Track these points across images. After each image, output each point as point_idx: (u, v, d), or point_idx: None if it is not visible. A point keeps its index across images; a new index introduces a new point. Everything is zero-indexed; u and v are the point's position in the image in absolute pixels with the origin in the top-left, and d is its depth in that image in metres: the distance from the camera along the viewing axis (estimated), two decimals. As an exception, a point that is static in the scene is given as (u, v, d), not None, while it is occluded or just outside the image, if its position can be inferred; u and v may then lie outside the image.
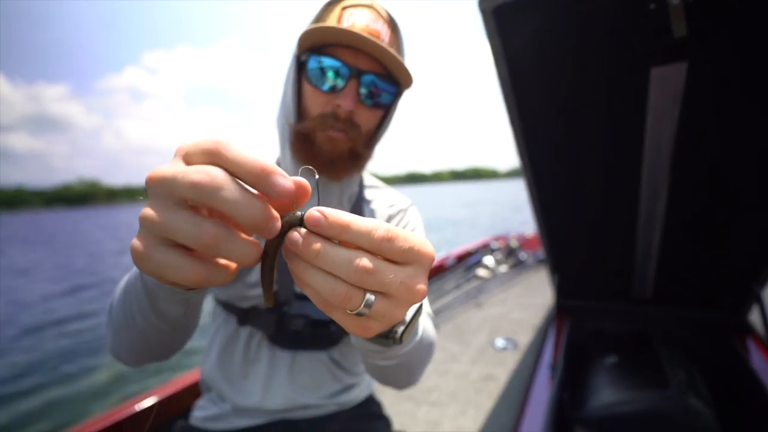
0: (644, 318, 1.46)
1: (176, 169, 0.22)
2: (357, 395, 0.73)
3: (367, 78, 0.58)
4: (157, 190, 0.23)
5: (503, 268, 3.86)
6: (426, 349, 0.51)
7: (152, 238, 0.23)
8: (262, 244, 0.26)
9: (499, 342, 2.37)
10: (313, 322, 0.62)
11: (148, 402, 1.12)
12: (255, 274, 0.63)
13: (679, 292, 1.39)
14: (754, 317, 1.28)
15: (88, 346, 4.44)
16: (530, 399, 1.06)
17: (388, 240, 0.24)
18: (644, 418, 0.99)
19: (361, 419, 0.73)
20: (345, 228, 0.24)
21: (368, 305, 0.25)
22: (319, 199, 0.28)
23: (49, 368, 3.85)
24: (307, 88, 0.59)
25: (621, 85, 0.93)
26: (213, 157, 0.23)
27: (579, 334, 1.48)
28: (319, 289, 0.25)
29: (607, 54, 0.88)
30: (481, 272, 3.62)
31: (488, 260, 3.78)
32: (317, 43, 0.57)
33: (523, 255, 4.05)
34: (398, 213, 0.73)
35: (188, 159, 0.24)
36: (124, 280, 0.44)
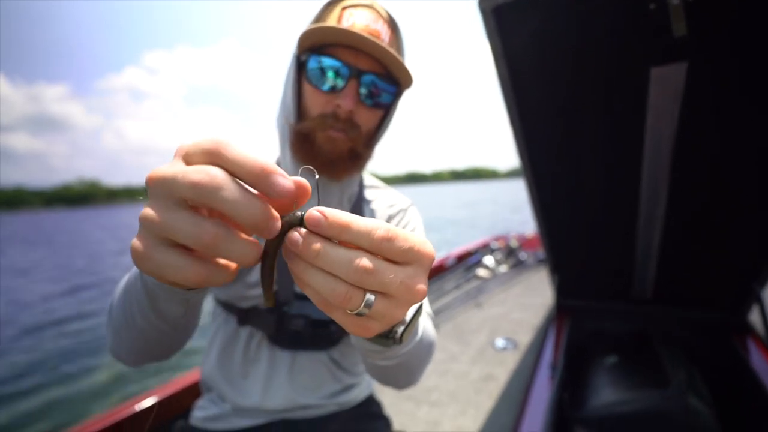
0: (644, 318, 1.46)
1: (176, 169, 0.22)
2: (357, 395, 0.73)
3: (367, 78, 0.57)
4: (157, 190, 0.23)
5: (503, 268, 3.86)
6: (426, 349, 0.51)
7: (152, 238, 0.23)
8: (262, 244, 0.26)
9: (499, 342, 2.37)
10: (313, 322, 0.62)
11: (148, 402, 1.12)
12: (255, 274, 0.63)
13: (679, 292, 1.39)
14: (755, 317, 1.28)
15: (88, 346, 4.45)
16: (530, 399, 1.06)
17: (388, 240, 0.24)
18: (644, 418, 0.99)
19: (361, 419, 0.73)
20: (345, 228, 0.24)
21: (368, 305, 0.25)
22: (319, 199, 0.28)
23: (49, 368, 3.86)
24: (307, 88, 0.59)
25: (621, 85, 0.93)
26: (213, 157, 0.23)
27: (579, 334, 1.48)
28: (319, 289, 0.25)
29: (606, 54, 0.88)
30: (481, 272, 3.62)
31: (488, 260, 3.78)
32: (317, 43, 0.57)
33: (523, 255, 4.05)
34: (398, 213, 0.73)
35: (188, 159, 0.24)
36: (124, 280, 0.44)
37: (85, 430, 1.01)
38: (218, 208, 0.22)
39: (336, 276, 0.24)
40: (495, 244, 4.10)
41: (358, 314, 0.26)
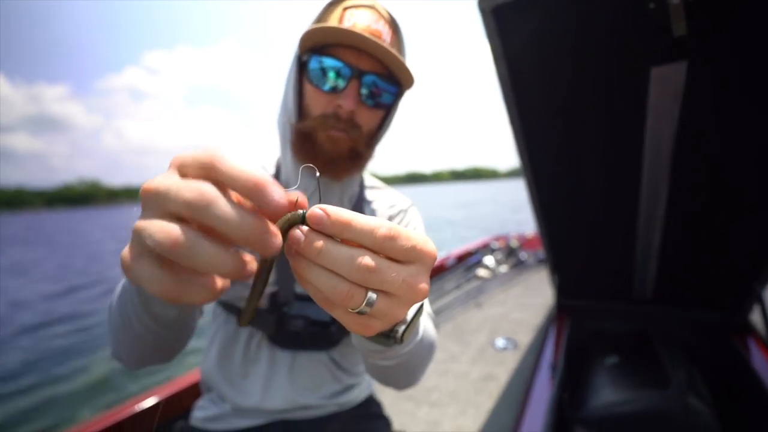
0: (644, 318, 1.46)
1: (169, 182, 0.22)
2: (357, 395, 0.73)
3: (369, 78, 0.58)
4: (150, 202, 0.23)
5: (503, 268, 3.85)
6: (426, 349, 0.51)
7: (136, 247, 0.23)
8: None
9: (500, 342, 2.37)
10: (313, 322, 0.62)
11: (149, 402, 1.12)
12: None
13: (680, 291, 1.39)
14: (755, 317, 1.28)
15: (87, 345, 4.45)
16: (530, 399, 1.06)
17: (391, 238, 0.24)
18: (644, 418, 0.99)
19: (361, 419, 0.73)
20: (347, 226, 0.24)
21: (370, 304, 0.25)
22: (320, 199, 0.28)
23: (47, 367, 3.86)
24: (309, 89, 0.59)
25: (621, 84, 0.93)
26: (207, 170, 0.23)
27: (579, 334, 1.48)
28: (321, 287, 0.25)
29: (606, 54, 0.88)
30: (482, 272, 3.62)
31: (488, 260, 3.78)
32: (318, 44, 0.57)
33: (523, 255, 4.05)
34: (399, 213, 0.73)
35: (183, 171, 0.24)
36: (123, 281, 0.44)
37: (86, 430, 1.01)
38: (209, 224, 0.22)
39: (338, 274, 0.24)
40: (495, 244, 4.10)
41: (360, 313, 0.26)
